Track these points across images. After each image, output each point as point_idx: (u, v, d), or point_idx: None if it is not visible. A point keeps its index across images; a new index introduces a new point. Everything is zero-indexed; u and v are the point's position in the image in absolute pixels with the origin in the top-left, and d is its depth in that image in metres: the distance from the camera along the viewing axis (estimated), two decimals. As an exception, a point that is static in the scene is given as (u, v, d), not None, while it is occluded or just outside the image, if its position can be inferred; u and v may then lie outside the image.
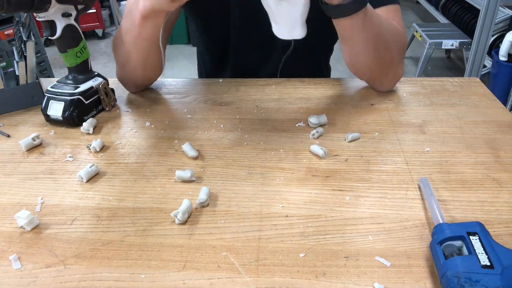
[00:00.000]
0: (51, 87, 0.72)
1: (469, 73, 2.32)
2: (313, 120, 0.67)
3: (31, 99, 0.77)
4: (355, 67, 0.74)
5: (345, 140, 0.64)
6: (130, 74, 0.79)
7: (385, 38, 0.69)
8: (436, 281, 0.41)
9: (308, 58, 0.91)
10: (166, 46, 0.77)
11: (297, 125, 0.68)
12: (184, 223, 0.50)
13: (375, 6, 0.71)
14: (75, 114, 0.70)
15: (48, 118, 0.72)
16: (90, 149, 0.64)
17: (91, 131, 0.69)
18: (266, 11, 0.59)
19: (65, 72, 0.74)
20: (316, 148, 0.61)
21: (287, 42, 0.78)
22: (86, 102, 0.72)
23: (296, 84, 0.82)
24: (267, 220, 0.50)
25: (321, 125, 0.67)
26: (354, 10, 0.61)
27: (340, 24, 0.65)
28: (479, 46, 2.23)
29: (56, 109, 0.69)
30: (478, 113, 0.70)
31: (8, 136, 0.69)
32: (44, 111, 0.71)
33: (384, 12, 0.74)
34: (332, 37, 0.86)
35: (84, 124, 0.69)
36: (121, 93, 0.82)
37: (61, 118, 0.70)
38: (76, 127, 0.70)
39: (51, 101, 0.70)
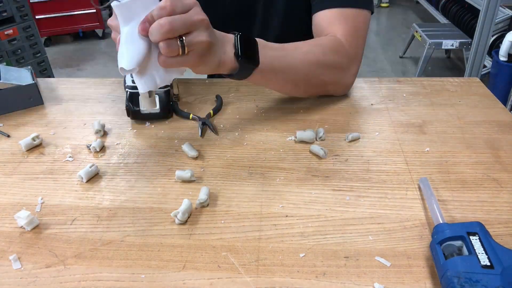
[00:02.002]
0: (130, 83, 0.69)
1: (469, 73, 2.32)
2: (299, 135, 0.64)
3: (28, 100, 0.77)
4: (286, 94, 0.76)
5: (345, 140, 0.64)
6: None
7: (305, 70, 0.68)
8: (436, 281, 0.41)
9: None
10: None
11: (287, 139, 0.68)
12: (184, 223, 0.50)
13: (331, 5, 0.72)
14: (171, 104, 0.71)
15: (137, 115, 0.70)
16: (90, 149, 0.64)
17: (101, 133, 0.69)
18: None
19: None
20: (316, 148, 0.61)
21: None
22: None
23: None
24: (267, 220, 0.50)
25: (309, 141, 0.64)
26: (245, 75, 0.62)
27: (249, 80, 0.64)
28: (479, 46, 2.23)
29: (150, 103, 0.60)
30: (478, 113, 0.70)
31: (8, 136, 0.69)
32: (132, 107, 0.69)
33: (333, 15, 0.73)
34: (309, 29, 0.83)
35: (95, 123, 0.69)
36: (121, 92, 0.82)
37: (158, 111, 0.69)
38: (168, 118, 0.72)
39: (140, 96, 0.60)
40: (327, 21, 0.74)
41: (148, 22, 0.49)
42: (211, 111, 0.72)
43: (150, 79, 0.53)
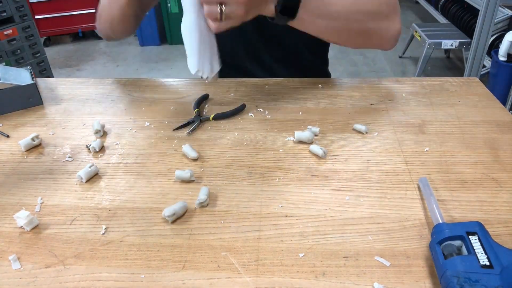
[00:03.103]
0: None
1: (468, 73, 2.32)
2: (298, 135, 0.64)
3: (27, 100, 0.77)
4: (329, 41, 0.76)
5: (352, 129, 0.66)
6: (102, 25, 0.85)
7: (347, 17, 0.69)
8: (436, 281, 0.41)
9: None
10: (143, 15, 0.88)
11: (286, 139, 0.68)
12: (173, 221, 0.50)
13: None
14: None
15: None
16: (89, 149, 0.64)
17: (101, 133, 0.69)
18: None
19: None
20: (315, 148, 0.61)
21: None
22: None
23: (296, 84, 0.82)
24: (267, 220, 0.50)
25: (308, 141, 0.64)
26: (287, 19, 0.65)
27: (292, 24, 0.67)
28: (479, 46, 2.23)
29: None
30: (478, 113, 0.70)
31: (8, 136, 0.69)
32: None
33: None
34: None
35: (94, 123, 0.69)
36: (120, 93, 0.82)
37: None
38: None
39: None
40: None
41: None
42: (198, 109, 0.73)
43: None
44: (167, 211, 0.49)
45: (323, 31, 0.71)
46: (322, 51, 0.98)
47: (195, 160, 0.61)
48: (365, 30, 0.72)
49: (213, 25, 0.61)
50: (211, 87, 0.83)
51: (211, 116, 0.71)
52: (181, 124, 0.69)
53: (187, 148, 0.62)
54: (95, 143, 0.64)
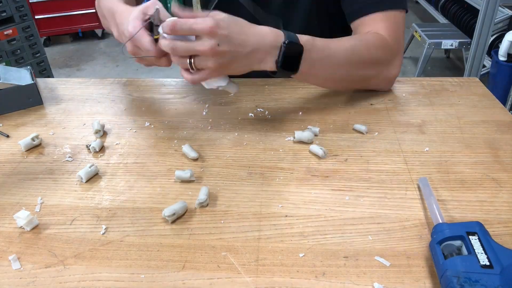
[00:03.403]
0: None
1: (468, 73, 2.32)
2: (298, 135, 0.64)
3: (27, 100, 0.77)
4: (327, 88, 0.77)
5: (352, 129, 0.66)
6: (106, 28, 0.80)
7: (347, 68, 0.69)
8: (436, 281, 0.41)
9: None
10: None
11: (286, 139, 0.68)
12: (173, 221, 0.50)
13: (370, 11, 0.72)
14: None
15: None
16: (89, 149, 0.64)
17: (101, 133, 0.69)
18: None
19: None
20: (315, 148, 0.61)
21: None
22: None
23: (295, 84, 0.82)
24: (267, 220, 0.50)
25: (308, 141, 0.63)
26: (288, 74, 0.64)
27: (294, 77, 0.66)
28: (479, 46, 2.23)
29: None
30: (478, 113, 0.70)
31: (8, 136, 0.69)
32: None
33: (378, 18, 0.73)
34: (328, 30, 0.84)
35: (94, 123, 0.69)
36: (120, 93, 0.82)
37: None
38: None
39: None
40: (368, 25, 0.75)
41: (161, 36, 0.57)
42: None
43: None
44: (167, 211, 0.49)
45: (323, 82, 0.72)
46: None
47: (195, 160, 0.61)
48: (365, 77, 0.74)
49: (186, 76, 0.60)
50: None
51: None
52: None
53: (187, 148, 0.62)
54: (95, 143, 0.64)
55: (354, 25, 0.77)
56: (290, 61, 0.62)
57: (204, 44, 0.55)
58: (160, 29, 0.57)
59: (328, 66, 0.67)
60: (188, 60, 0.57)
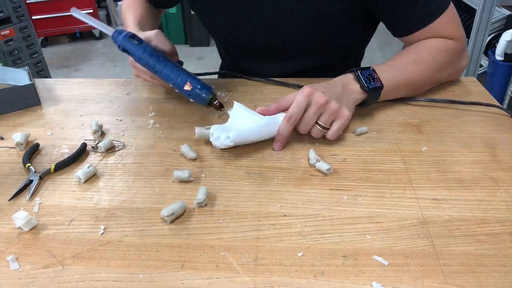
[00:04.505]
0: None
1: (465, 72, 2.33)
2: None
3: (25, 100, 0.77)
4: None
5: (354, 133, 0.66)
6: None
7: (420, 76, 0.73)
8: (434, 280, 0.41)
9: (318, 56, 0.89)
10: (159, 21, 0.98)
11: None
12: (171, 221, 0.50)
13: (425, 24, 0.72)
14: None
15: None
16: (96, 147, 0.64)
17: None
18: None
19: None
20: (322, 165, 0.57)
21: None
22: None
23: (295, 84, 0.82)
24: (266, 219, 0.50)
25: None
26: (375, 99, 0.70)
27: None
28: (476, 46, 2.24)
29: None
30: (475, 112, 0.70)
31: (2, 138, 0.69)
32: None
33: (434, 27, 0.72)
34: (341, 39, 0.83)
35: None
36: (119, 93, 0.82)
37: None
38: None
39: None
40: (424, 37, 0.75)
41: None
42: None
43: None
44: (166, 211, 0.49)
45: (403, 94, 0.74)
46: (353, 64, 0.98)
47: (194, 160, 0.61)
48: (441, 79, 0.78)
49: (334, 135, 0.62)
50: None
51: (52, 168, 0.59)
52: (17, 189, 0.56)
53: (185, 148, 0.62)
54: (102, 143, 0.64)
55: (408, 39, 0.76)
56: (370, 80, 0.67)
57: (318, 99, 0.60)
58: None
59: (403, 79, 0.71)
60: (317, 126, 0.62)
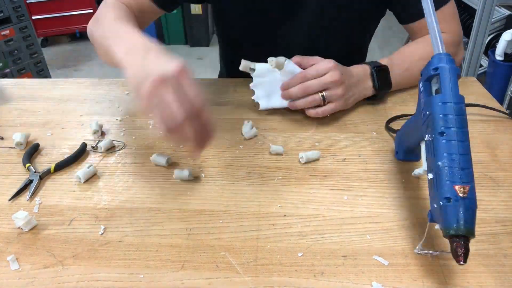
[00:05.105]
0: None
1: (465, 72, 2.32)
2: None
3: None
4: None
5: (300, 160, 0.60)
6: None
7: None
8: (434, 280, 0.41)
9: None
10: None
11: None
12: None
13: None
14: None
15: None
16: (96, 147, 0.64)
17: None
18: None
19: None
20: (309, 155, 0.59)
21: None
22: None
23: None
24: (265, 219, 0.50)
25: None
26: (381, 96, 0.75)
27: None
28: (476, 46, 2.24)
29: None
30: (475, 112, 0.70)
31: (2, 138, 0.69)
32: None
33: (439, 16, 0.73)
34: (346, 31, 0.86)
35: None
36: (119, 93, 0.82)
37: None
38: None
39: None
40: (425, 27, 0.76)
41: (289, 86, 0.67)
42: None
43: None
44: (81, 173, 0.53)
45: (407, 87, 0.78)
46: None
47: (194, 160, 0.61)
48: None
49: (315, 112, 0.66)
50: (210, 87, 0.83)
51: (52, 168, 0.59)
52: (17, 189, 0.56)
53: (156, 157, 0.62)
54: (102, 143, 0.64)
55: (409, 27, 0.81)
56: (383, 82, 0.71)
57: (333, 76, 0.64)
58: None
59: (411, 76, 0.75)
60: (320, 95, 0.65)
